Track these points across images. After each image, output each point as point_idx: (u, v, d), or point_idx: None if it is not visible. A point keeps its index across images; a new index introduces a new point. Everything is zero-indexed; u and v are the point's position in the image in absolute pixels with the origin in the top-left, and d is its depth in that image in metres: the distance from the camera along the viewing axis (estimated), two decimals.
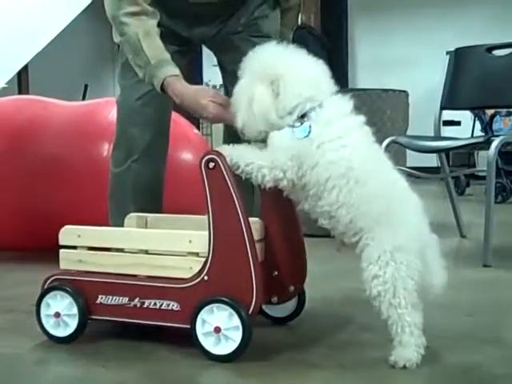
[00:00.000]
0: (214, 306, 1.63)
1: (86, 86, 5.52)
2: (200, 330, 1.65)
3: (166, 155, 2.21)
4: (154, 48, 1.88)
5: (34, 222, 3.02)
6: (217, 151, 1.68)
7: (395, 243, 1.55)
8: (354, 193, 1.57)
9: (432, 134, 3.63)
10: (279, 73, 1.63)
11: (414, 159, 4.20)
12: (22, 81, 6.28)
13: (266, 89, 1.64)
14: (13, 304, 2.13)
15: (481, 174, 6.35)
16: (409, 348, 1.56)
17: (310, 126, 1.61)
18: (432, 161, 5.37)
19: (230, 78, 2.14)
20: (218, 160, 1.65)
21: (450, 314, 2.03)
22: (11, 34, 5.51)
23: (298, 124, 1.62)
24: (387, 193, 1.60)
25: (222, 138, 2.24)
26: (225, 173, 1.64)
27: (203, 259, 1.67)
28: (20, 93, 6.04)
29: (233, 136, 2.00)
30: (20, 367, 1.68)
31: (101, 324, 1.85)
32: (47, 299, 1.81)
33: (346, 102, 1.67)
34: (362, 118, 1.68)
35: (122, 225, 2.01)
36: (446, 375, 1.57)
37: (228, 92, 2.18)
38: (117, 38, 1.94)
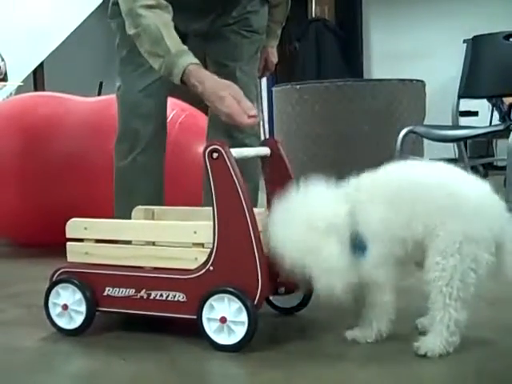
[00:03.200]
0: (220, 296, 1.63)
1: (101, 84, 5.55)
2: (206, 320, 1.64)
3: (165, 146, 2.24)
4: (173, 38, 1.88)
5: (50, 217, 3.02)
6: (221, 141, 1.67)
7: (467, 233, 1.50)
8: None
9: (450, 124, 3.60)
10: None
11: (432, 151, 4.17)
12: (37, 79, 6.33)
13: None
14: (33, 298, 2.13)
15: (500, 163, 6.29)
16: (438, 339, 1.53)
17: None
18: (449, 152, 5.33)
19: (217, 69, 2.18)
20: (222, 150, 1.64)
21: (471, 303, 2.01)
22: (26, 33, 5.56)
23: None
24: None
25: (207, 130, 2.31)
26: (228, 163, 1.63)
27: (208, 250, 1.67)
28: (36, 91, 6.08)
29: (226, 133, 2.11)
30: (41, 360, 1.68)
31: (115, 316, 1.86)
32: (55, 292, 1.82)
33: None
34: None
35: (128, 218, 2.01)
36: (471, 363, 1.55)
37: None
38: (131, 30, 1.92)
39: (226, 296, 1.62)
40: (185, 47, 1.89)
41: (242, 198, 1.63)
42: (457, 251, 1.50)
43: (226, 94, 1.78)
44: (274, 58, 2.43)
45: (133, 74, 2.09)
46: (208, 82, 1.82)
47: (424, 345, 1.54)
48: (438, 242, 1.53)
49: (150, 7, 1.88)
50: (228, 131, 2.16)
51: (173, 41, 1.87)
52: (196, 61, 1.86)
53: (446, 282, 1.51)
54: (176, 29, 1.94)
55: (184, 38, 2.18)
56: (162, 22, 1.89)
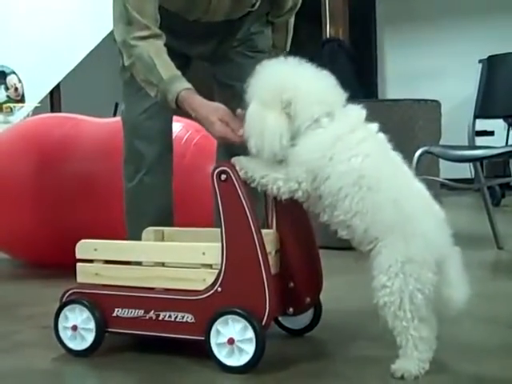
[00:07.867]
0: (228, 317, 1.63)
1: (116, 104, 5.58)
2: (214, 341, 1.64)
3: (172, 167, 2.24)
4: (166, 65, 1.91)
5: (64, 238, 3.02)
6: (229, 163, 1.68)
7: (408, 254, 1.52)
8: (366, 200, 1.55)
9: (466, 144, 3.58)
10: (290, 96, 1.61)
11: (447, 171, 4.14)
12: (54, 100, 6.41)
13: (279, 115, 1.61)
14: (46, 320, 2.11)
15: None
16: (411, 361, 1.54)
17: None
18: (465, 172, 5.30)
19: (223, 89, 2.20)
20: (230, 172, 1.65)
21: (489, 326, 2.00)
22: (43, 55, 5.63)
23: None
24: (403, 200, 1.56)
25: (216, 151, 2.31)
26: (237, 185, 1.64)
27: (216, 271, 1.67)
28: (52, 112, 6.14)
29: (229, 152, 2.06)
30: (55, 382, 1.69)
31: (129, 337, 1.86)
32: (65, 313, 1.83)
33: (356, 113, 1.65)
34: (375, 127, 1.65)
35: (140, 239, 2.02)
36: None
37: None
38: (127, 62, 1.97)
39: (234, 317, 1.62)
40: (177, 72, 1.91)
41: (250, 220, 1.63)
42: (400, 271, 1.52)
43: (215, 119, 1.80)
44: None
45: (134, 96, 2.13)
46: (199, 108, 1.85)
47: (398, 368, 1.54)
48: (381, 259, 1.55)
49: (143, 38, 1.92)
50: (235, 153, 2.17)
51: (165, 68, 1.90)
52: (188, 85, 1.89)
53: (397, 307, 1.52)
54: (178, 52, 1.96)
55: (188, 60, 2.19)
56: (153, 50, 1.91)
